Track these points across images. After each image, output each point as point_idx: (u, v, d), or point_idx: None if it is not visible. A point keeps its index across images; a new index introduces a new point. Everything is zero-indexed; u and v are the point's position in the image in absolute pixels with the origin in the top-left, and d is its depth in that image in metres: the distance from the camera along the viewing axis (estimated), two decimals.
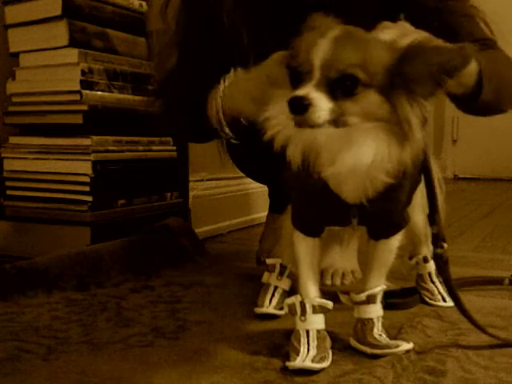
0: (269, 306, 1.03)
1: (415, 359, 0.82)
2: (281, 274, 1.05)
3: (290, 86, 0.73)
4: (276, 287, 1.05)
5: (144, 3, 1.69)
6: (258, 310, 1.04)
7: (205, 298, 1.16)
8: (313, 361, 0.79)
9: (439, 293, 1.10)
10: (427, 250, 1.10)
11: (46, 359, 0.83)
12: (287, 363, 0.80)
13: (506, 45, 1.08)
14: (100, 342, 0.90)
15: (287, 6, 1.08)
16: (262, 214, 1.99)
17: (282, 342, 0.89)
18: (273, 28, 1.06)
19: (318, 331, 0.83)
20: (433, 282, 1.11)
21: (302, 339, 0.82)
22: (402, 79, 0.70)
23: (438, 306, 1.08)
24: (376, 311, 0.88)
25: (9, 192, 1.56)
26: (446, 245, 0.88)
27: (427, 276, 1.12)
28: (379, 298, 0.88)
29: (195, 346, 0.89)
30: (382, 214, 0.84)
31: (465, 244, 1.82)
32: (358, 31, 0.73)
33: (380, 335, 0.86)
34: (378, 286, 0.88)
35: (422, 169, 0.86)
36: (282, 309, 1.02)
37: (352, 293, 0.90)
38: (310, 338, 0.82)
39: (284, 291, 1.05)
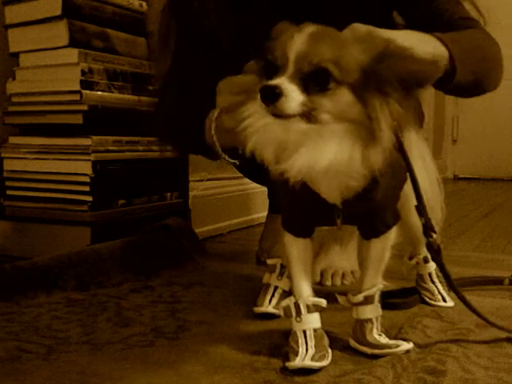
0: (268, 306, 1.03)
1: (415, 359, 0.82)
2: (281, 274, 1.05)
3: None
4: (276, 287, 1.05)
5: (144, 3, 1.69)
6: (258, 310, 1.04)
7: (205, 298, 1.16)
8: (312, 359, 0.79)
9: (439, 293, 1.10)
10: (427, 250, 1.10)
11: (46, 359, 0.83)
12: (287, 364, 0.80)
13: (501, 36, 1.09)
14: (100, 342, 0.90)
15: (271, 8, 1.08)
16: (261, 213, 1.99)
17: (282, 342, 0.89)
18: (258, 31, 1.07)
19: (315, 330, 0.83)
20: (433, 282, 1.11)
21: (299, 340, 0.82)
22: (376, 79, 0.70)
23: (438, 306, 1.08)
24: (374, 311, 0.88)
25: (9, 192, 1.56)
26: (435, 235, 0.88)
27: (427, 276, 1.11)
28: (377, 298, 0.88)
29: (195, 346, 0.89)
30: (365, 213, 0.84)
31: (465, 244, 1.82)
32: (333, 30, 0.74)
33: (379, 335, 0.86)
34: (375, 286, 0.88)
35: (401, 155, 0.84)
36: None
37: (349, 294, 0.90)
38: (308, 338, 0.82)
39: (284, 291, 1.05)
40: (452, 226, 2.13)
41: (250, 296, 1.12)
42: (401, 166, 0.82)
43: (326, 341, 0.84)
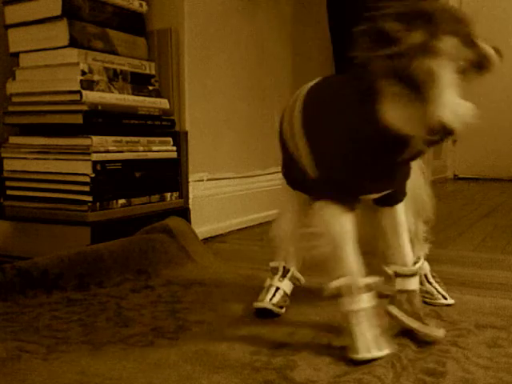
0: (268, 303, 1.03)
1: (415, 359, 0.82)
2: (283, 276, 1.05)
3: None
4: (278, 288, 1.05)
5: (144, 3, 1.69)
6: (257, 305, 1.03)
7: (205, 298, 1.16)
8: (376, 346, 0.80)
9: (438, 292, 1.10)
10: (421, 250, 1.10)
11: (46, 359, 0.83)
12: (353, 356, 0.80)
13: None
14: (100, 342, 0.90)
15: None
16: (261, 213, 2.00)
17: (283, 342, 0.89)
18: None
19: (368, 309, 0.83)
20: (430, 283, 1.11)
21: (354, 320, 0.82)
22: None
23: (438, 306, 1.08)
24: (417, 283, 0.91)
25: (9, 192, 1.56)
26: None
27: (424, 278, 1.11)
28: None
29: (195, 346, 0.89)
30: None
31: (465, 244, 1.82)
32: None
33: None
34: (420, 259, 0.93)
35: None
36: (281, 308, 1.03)
37: (392, 265, 0.92)
38: (362, 318, 0.82)
39: (285, 293, 1.05)
40: (452, 226, 2.13)
41: (250, 296, 1.11)
42: None
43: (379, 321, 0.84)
